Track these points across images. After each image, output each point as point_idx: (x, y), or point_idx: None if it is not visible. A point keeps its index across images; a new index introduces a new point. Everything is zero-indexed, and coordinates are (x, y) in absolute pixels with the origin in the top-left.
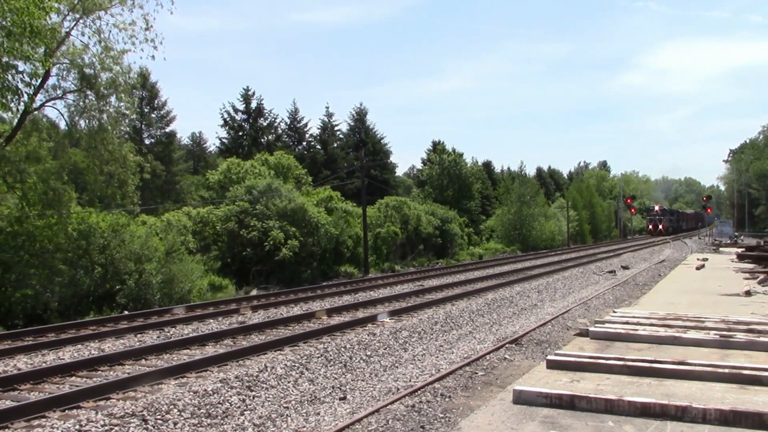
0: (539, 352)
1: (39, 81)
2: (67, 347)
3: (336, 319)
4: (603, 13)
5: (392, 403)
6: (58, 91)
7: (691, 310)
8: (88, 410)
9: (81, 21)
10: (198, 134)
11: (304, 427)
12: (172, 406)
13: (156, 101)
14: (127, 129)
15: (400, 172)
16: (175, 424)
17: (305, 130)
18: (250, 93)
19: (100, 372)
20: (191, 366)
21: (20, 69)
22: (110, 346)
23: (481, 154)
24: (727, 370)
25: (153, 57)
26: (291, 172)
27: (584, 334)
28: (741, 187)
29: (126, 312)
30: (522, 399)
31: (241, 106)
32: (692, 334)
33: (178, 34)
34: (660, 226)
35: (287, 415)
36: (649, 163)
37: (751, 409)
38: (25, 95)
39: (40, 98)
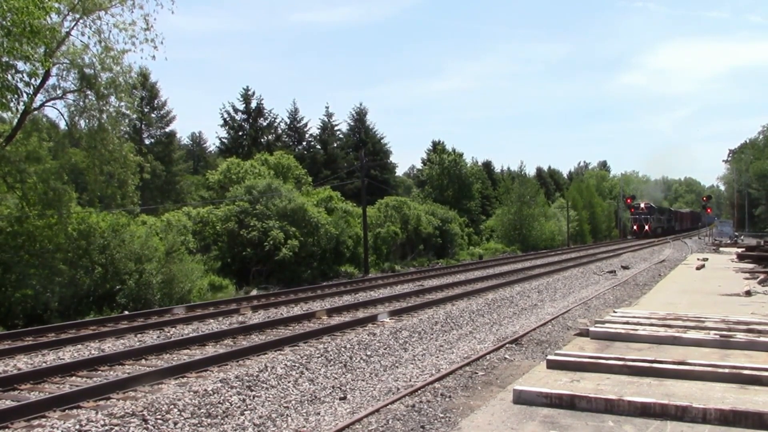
0: (539, 352)
1: (39, 81)
2: (67, 347)
3: (336, 319)
4: (602, 13)
5: (392, 402)
6: (58, 91)
7: (691, 310)
8: (88, 410)
9: (81, 21)
10: (198, 134)
11: (304, 426)
12: (172, 406)
13: (156, 101)
14: (127, 129)
15: (400, 172)
16: (175, 423)
17: (305, 130)
18: (250, 93)
19: (100, 372)
20: (191, 366)
21: (20, 69)
22: (110, 346)
23: (481, 154)
24: (727, 370)
25: (153, 57)
26: (291, 172)
27: (584, 334)
28: (741, 187)
29: (126, 312)
30: (522, 399)
31: (241, 106)
32: (692, 334)
33: (178, 34)
34: (646, 227)
35: (287, 414)
36: (649, 163)
37: (751, 409)
38: (25, 95)
39: (40, 98)
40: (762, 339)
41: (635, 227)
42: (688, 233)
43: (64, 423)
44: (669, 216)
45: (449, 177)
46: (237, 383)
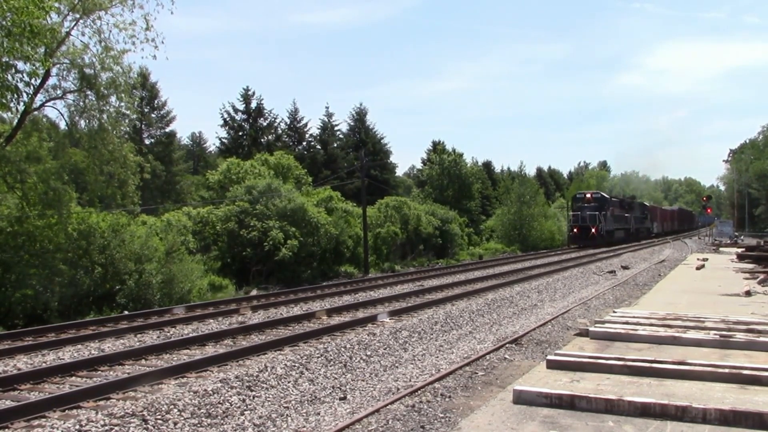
0: (539, 352)
1: (39, 81)
2: (67, 347)
3: (336, 319)
4: (601, 14)
5: (392, 403)
6: (58, 91)
7: (691, 310)
8: (88, 410)
9: (81, 21)
10: (198, 134)
11: (304, 427)
12: (172, 406)
13: (156, 101)
14: (128, 129)
15: (400, 172)
16: (175, 424)
17: (305, 130)
18: (250, 93)
19: (100, 372)
20: (191, 366)
21: (20, 69)
22: (110, 346)
23: (481, 154)
24: (727, 370)
25: (154, 57)
26: (291, 172)
27: (584, 334)
28: (741, 187)
29: (126, 312)
30: (522, 399)
31: (241, 106)
32: (692, 334)
33: (178, 34)
34: (592, 229)
35: (287, 415)
36: (649, 164)
37: (751, 409)
38: (25, 95)
39: (40, 98)
40: (762, 339)
41: (575, 230)
42: (673, 236)
43: (64, 423)
44: (641, 213)
45: (449, 177)
46: (237, 383)
